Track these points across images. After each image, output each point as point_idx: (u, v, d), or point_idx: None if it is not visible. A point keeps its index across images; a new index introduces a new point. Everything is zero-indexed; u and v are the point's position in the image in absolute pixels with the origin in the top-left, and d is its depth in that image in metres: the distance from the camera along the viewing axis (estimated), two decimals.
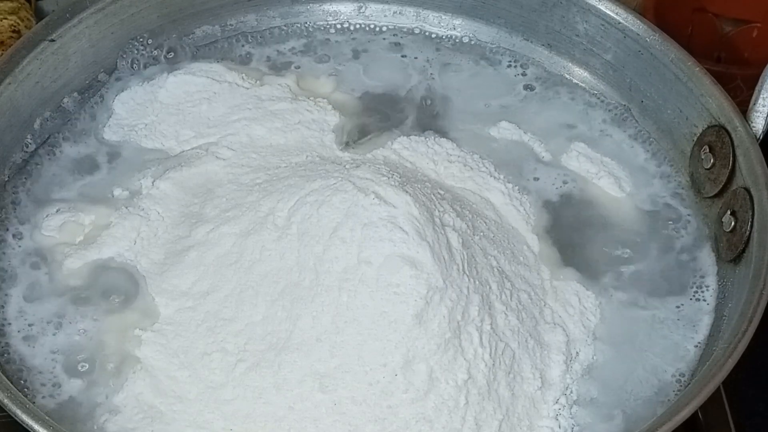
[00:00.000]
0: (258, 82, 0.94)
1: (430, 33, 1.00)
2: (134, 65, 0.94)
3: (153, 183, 0.86)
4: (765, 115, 0.83)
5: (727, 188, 0.84)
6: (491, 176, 0.87)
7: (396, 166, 0.85)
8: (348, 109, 0.94)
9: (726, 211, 0.83)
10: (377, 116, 0.93)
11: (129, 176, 0.87)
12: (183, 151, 0.89)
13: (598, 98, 0.96)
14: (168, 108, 0.92)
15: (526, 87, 0.97)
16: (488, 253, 0.79)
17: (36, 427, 0.66)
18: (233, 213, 0.81)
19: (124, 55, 0.94)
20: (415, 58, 0.98)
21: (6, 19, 0.98)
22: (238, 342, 0.75)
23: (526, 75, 0.97)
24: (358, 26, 1.01)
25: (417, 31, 1.01)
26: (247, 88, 0.93)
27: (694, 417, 0.80)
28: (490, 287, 0.77)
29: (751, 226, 0.79)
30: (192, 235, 0.81)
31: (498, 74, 0.97)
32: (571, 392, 0.77)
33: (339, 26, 1.01)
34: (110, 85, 0.93)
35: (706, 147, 0.86)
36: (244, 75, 0.94)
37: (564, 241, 0.85)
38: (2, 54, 0.90)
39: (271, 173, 0.85)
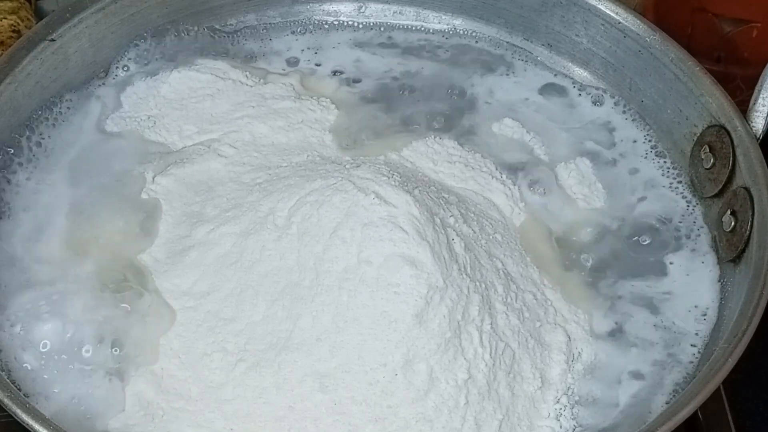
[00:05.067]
0: (262, 80, 0.94)
1: (431, 33, 1.00)
2: (135, 64, 0.94)
3: (153, 179, 0.86)
4: (765, 115, 0.83)
5: (727, 188, 0.84)
6: (492, 177, 0.87)
7: (396, 165, 0.85)
8: (350, 108, 0.93)
9: (726, 211, 0.83)
10: (379, 116, 0.93)
11: (129, 169, 0.87)
12: (185, 147, 0.89)
13: (598, 98, 0.95)
14: (171, 103, 0.92)
15: (530, 86, 0.97)
16: (493, 254, 0.79)
17: (36, 426, 0.66)
18: (233, 213, 0.81)
19: (125, 54, 0.94)
20: (416, 58, 0.98)
21: (6, 19, 0.98)
22: (239, 342, 0.75)
23: (526, 73, 0.97)
24: (358, 26, 1.01)
25: (417, 30, 1.01)
26: (251, 86, 0.93)
27: (694, 417, 0.80)
28: (495, 289, 0.77)
29: (751, 226, 0.79)
30: (192, 234, 0.81)
31: (498, 73, 0.97)
32: (573, 392, 0.77)
33: (339, 26, 1.01)
34: (111, 84, 0.93)
35: (706, 147, 0.86)
36: (248, 73, 0.94)
37: (565, 243, 0.85)
38: (2, 54, 0.90)
39: (272, 172, 0.85)
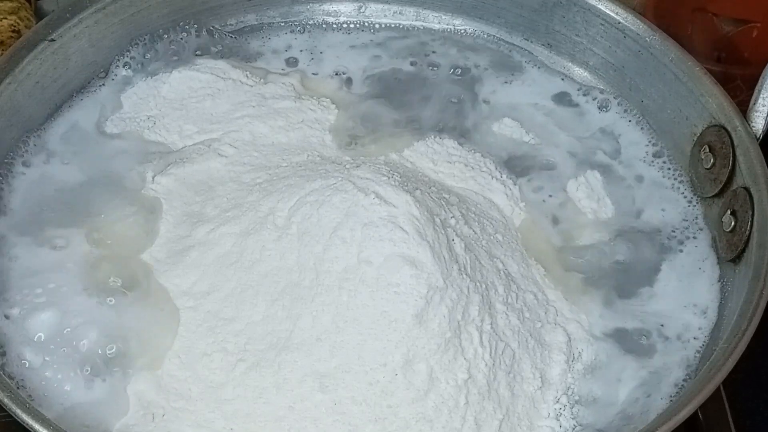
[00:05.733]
0: (262, 80, 0.94)
1: (431, 33, 1.00)
2: (136, 64, 0.94)
3: (154, 178, 0.86)
4: (765, 115, 0.83)
5: (727, 188, 0.84)
6: (492, 177, 0.87)
7: (396, 165, 0.85)
8: (350, 108, 0.93)
9: (726, 211, 0.83)
10: (379, 116, 0.93)
11: (129, 169, 0.87)
12: (185, 146, 0.89)
13: (598, 98, 0.95)
14: (171, 103, 0.92)
15: (530, 87, 0.96)
16: (494, 255, 0.79)
17: (36, 426, 0.66)
18: (233, 213, 0.81)
19: (126, 54, 0.94)
20: (416, 58, 0.98)
21: (6, 19, 0.98)
22: (239, 342, 0.75)
23: (526, 74, 0.97)
24: (358, 26, 1.01)
25: (417, 30, 1.01)
26: (251, 86, 0.93)
27: (694, 417, 0.80)
28: (496, 289, 0.77)
29: (751, 226, 0.79)
30: (193, 234, 0.81)
31: (498, 73, 0.97)
32: (573, 392, 0.77)
33: (339, 26, 1.01)
34: (111, 84, 0.93)
35: (706, 147, 0.86)
36: (248, 73, 0.94)
37: (565, 243, 0.85)
38: (2, 54, 0.90)
39: (272, 172, 0.85)
